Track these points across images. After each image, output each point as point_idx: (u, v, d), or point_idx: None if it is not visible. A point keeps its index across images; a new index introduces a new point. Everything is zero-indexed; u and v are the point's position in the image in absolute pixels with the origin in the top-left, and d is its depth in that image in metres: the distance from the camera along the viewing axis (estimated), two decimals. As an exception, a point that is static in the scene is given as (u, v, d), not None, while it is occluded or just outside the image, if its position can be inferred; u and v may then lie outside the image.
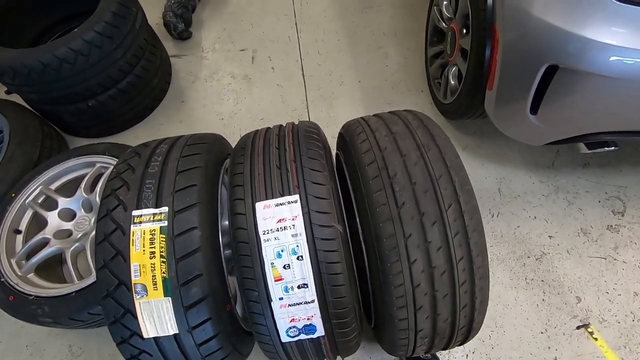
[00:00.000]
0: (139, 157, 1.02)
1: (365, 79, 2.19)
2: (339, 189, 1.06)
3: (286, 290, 0.86)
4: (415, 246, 0.84)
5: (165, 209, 0.91)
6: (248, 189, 0.92)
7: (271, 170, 0.94)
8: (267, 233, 0.86)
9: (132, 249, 0.86)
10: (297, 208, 0.88)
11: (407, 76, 2.19)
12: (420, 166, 0.91)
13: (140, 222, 0.89)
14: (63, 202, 1.52)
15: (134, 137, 2.10)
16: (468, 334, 0.95)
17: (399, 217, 0.85)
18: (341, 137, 1.15)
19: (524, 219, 1.68)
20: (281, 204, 0.88)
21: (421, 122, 1.04)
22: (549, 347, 1.42)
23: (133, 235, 0.87)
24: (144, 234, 0.88)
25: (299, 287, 0.86)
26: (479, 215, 0.88)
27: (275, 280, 0.86)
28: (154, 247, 0.87)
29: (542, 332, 1.45)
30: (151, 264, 0.86)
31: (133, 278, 0.85)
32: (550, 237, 1.64)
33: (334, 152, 1.34)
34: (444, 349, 1.01)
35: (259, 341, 0.94)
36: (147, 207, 0.91)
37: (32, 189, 1.53)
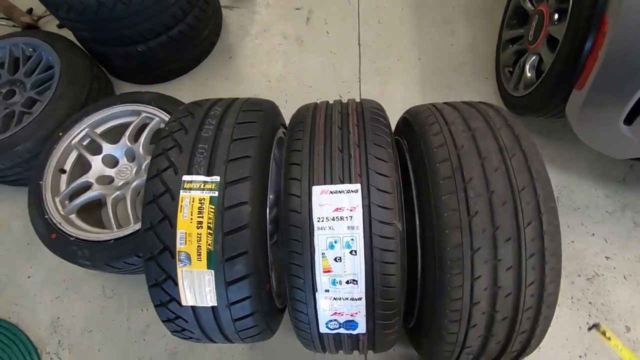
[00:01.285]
0: (192, 117, 0.96)
1: (425, 56, 2.02)
2: (400, 182, 0.98)
3: (334, 283, 0.81)
4: (482, 261, 0.76)
5: (217, 178, 0.85)
6: (306, 170, 0.85)
7: (332, 153, 0.86)
8: (322, 221, 0.80)
9: (180, 215, 0.83)
10: (357, 198, 0.80)
11: (473, 59, 1.99)
12: (501, 173, 0.80)
13: (190, 189, 0.84)
14: (107, 148, 1.51)
15: (178, 88, 2.05)
16: (517, 357, 0.88)
17: (469, 227, 0.77)
18: (406, 123, 1.05)
19: (581, 234, 1.55)
20: (340, 192, 0.81)
21: (504, 120, 0.92)
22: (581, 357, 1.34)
23: (182, 201, 0.83)
24: (193, 201, 0.83)
25: (347, 282, 0.80)
26: (560, 237, 0.78)
27: (324, 272, 0.80)
28: (202, 217, 0.82)
29: (580, 357, 1.36)
30: (197, 234, 0.82)
31: (178, 245, 0.82)
32: (607, 258, 1.51)
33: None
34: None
35: (295, 326, 0.91)
36: (198, 173, 0.86)
37: (78, 130, 1.52)
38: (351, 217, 0.80)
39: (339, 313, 0.83)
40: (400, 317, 0.88)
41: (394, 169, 0.86)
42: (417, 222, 0.88)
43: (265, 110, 1.02)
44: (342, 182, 0.82)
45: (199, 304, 0.86)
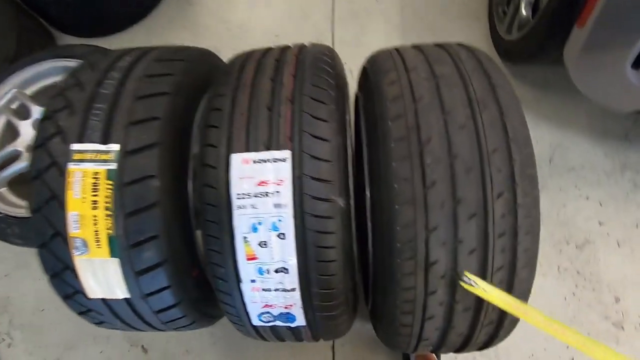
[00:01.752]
0: (92, 69, 0.77)
1: (409, -4, 1.75)
2: (354, 147, 0.81)
3: (260, 272, 0.67)
4: (439, 243, 0.61)
5: (115, 146, 0.68)
6: (224, 134, 0.67)
7: (258, 112, 0.68)
8: (243, 198, 0.64)
9: (70, 193, 0.67)
10: (285, 169, 0.64)
11: (463, -1, 1.73)
12: (467, 132, 0.63)
13: (82, 161, 0.68)
14: (37, 112, 1.32)
15: (129, 40, 1.81)
16: (485, 347, 0.76)
17: (424, 201, 0.61)
18: (364, 73, 0.85)
19: (574, 197, 1.40)
20: (265, 161, 0.64)
21: (479, 64, 0.73)
22: (568, 347, 1.25)
23: (71, 177, 0.67)
24: (85, 176, 0.67)
25: (277, 271, 0.66)
26: (538, 212, 0.62)
27: (248, 259, 0.66)
28: (97, 196, 0.67)
29: (562, 329, 1.27)
30: (93, 216, 0.67)
31: (71, 230, 0.67)
32: (600, 223, 1.37)
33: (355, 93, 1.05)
34: (455, 351, 0.84)
35: (227, 316, 0.78)
36: (91, 140, 0.69)
37: (4, 92, 1.33)
38: (278, 192, 0.64)
39: (271, 305, 0.70)
40: (349, 305, 0.75)
41: (337, 130, 0.68)
42: (368, 196, 0.72)
43: (187, 60, 0.82)
44: (268, 149, 0.65)
45: (109, 297, 0.72)
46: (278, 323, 0.73)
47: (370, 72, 0.79)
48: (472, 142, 0.62)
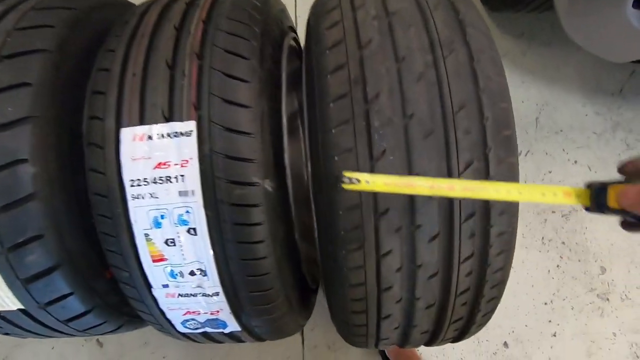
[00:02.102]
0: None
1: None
2: (293, 113, 0.65)
3: (173, 275, 0.53)
4: (392, 230, 0.48)
5: (-31, 124, 0.52)
6: (112, 103, 0.51)
7: (156, 71, 0.52)
8: (139, 185, 0.49)
9: None
10: (190, 146, 0.49)
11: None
12: (427, 84, 0.48)
13: None
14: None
15: None
16: (457, 340, 0.65)
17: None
18: (309, 19, 0.69)
19: (561, 162, 1.28)
20: (164, 136, 0.49)
21: (446, -2, 0.57)
22: (550, 321, 1.18)
23: None
24: None
25: (191, 273, 0.53)
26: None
27: (154, 261, 0.52)
28: (-49, 190, 0.51)
29: (546, 303, 1.19)
30: (-50, 216, 0.51)
31: None
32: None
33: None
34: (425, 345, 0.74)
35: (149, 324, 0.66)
36: (-62, 118, 0.52)
37: None
38: (183, 176, 0.49)
39: (194, 312, 0.57)
40: (293, 303, 0.63)
41: (261, 93, 0.53)
42: (309, 172, 0.58)
43: (79, 9, 0.64)
44: (168, 120, 0.49)
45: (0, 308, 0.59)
46: (208, 329, 0.61)
47: (312, 15, 0.62)
48: (432, 98, 0.48)
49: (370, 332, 0.59)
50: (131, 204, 0.50)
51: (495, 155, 0.47)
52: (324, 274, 0.61)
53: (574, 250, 1.21)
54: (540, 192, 0.44)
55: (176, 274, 0.53)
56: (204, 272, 0.52)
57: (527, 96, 1.33)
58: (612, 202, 0.41)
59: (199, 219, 0.49)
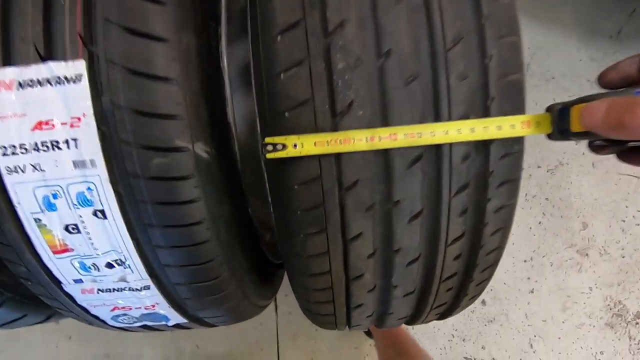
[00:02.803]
0: None
1: None
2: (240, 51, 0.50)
3: (85, 268, 0.42)
4: (362, 208, 0.37)
5: None
6: (-37, 34, 0.36)
7: (24, -14, 0.36)
8: (13, 153, 0.36)
9: None
10: (81, 97, 0.35)
11: None
12: (409, 9, 0.35)
13: None
14: None
15: None
16: (440, 319, 0.58)
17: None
18: None
19: (551, 113, 1.19)
20: (42, 83, 0.35)
21: None
22: (529, 278, 1.15)
23: None
24: None
25: (109, 265, 0.41)
26: (522, 147, 0.38)
27: (56, 252, 0.40)
28: None
29: (525, 261, 1.16)
30: None
31: None
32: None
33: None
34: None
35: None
36: None
37: None
38: (75, 141, 0.35)
39: (124, 307, 0.47)
40: (250, 288, 0.53)
41: (182, 20, 0.38)
42: (259, 131, 0.45)
43: None
44: (44, 59, 0.35)
45: None
46: (149, 323, 0.51)
47: None
48: (417, 29, 0.35)
49: (339, 321, 0.50)
50: (8, 180, 0.36)
51: (499, 109, 0.35)
52: (283, 258, 0.51)
53: (557, 207, 1.16)
54: (496, 126, 0.35)
55: (89, 267, 0.41)
56: (124, 264, 0.41)
57: (520, 39, 1.20)
58: (575, 125, 0.34)
59: (107, 198, 0.37)
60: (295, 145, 0.35)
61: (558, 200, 1.17)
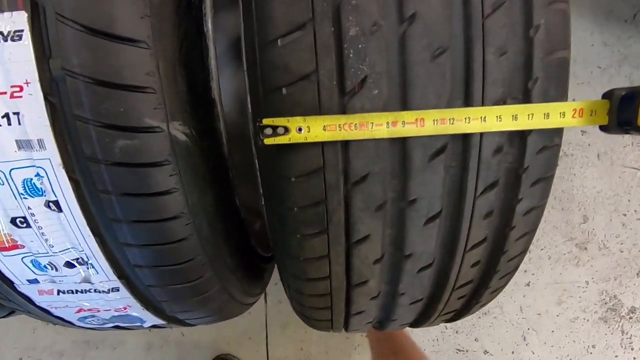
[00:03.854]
0: None
1: None
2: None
3: (40, 267, 0.35)
4: (371, 206, 0.31)
5: None
6: None
7: None
8: (-59, 128, 0.28)
9: None
10: (23, 59, 0.27)
11: None
12: (442, -40, 0.28)
13: None
14: None
15: None
16: (445, 322, 0.54)
17: (344, 110, 0.28)
18: None
19: (559, 101, 1.13)
20: (-29, 39, 0.27)
21: None
22: (526, 271, 1.13)
23: None
24: None
25: (68, 265, 0.35)
26: (561, 139, 0.33)
27: (3, 249, 0.33)
28: None
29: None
30: None
31: None
32: (583, 132, 1.13)
33: None
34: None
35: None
36: None
37: None
38: (18, 115, 0.28)
39: (91, 309, 0.41)
40: (236, 287, 0.48)
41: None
42: (249, 110, 0.38)
43: None
44: (-26, 6, 0.27)
45: None
46: (121, 324, 0.45)
47: None
48: (449, -13, 0.28)
49: (336, 326, 0.45)
50: None
51: (543, 92, 0.29)
52: (275, 256, 0.45)
53: (559, 199, 1.12)
54: (544, 113, 0.29)
55: (45, 266, 0.35)
56: (87, 264, 0.35)
57: (532, 20, 1.12)
58: None
59: (61, 186, 0.30)
60: (300, 129, 0.28)
61: (560, 192, 1.13)
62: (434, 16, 0.27)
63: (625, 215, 1.13)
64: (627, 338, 1.14)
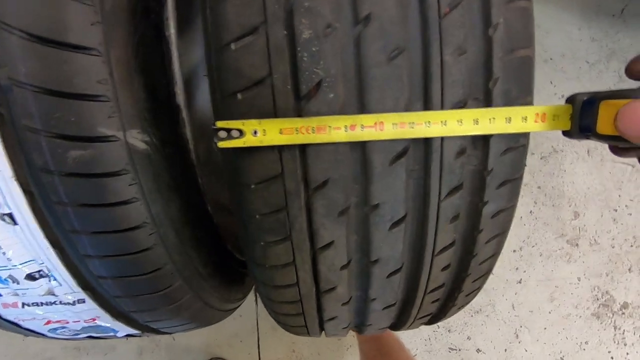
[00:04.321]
0: None
1: None
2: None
3: (0, 280, 0.34)
4: (333, 212, 0.30)
5: None
6: None
7: None
8: None
9: None
10: (-32, 69, 0.27)
11: None
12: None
13: None
14: None
15: None
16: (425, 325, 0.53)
17: (299, 121, 0.28)
18: None
19: (547, 96, 1.13)
20: None
21: None
22: (517, 268, 1.12)
23: None
24: None
25: (30, 277, 0.34)
26: (528, 140, 0.32)
27: (-40, 263, 0.33)
28: None
29: (515, 251, 1.12)
30: None
31: None
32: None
33: None
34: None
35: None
36: None
37: None
38: (-36, 124, 0.27)
39: (59, 321, 0.40)
40: (211, 293, 0.47)
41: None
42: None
43: None
44: None
45: None
46: (95, 334, 0.45)
47: None
48: (405, -13, 0.27)
49: (312, 331, 0.45)
50: None
51: (504, 92, 0.28)
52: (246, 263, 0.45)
53: (549, 195, 1.12)
54: (505, 118, 0.28)
55: (5, 279, 0.34)
56: (49, 276, 0.34)
57: (519, 16, 1.12)
58: (603, 125, 0.27)
59: (14, 199, 0.30)
60: (255, 132, 0.28)
61: (550, 188, 1.12)
62: (389, 17, 0.27)
63: (616, 210, 1.13)
64: (620, 333, 1.14)
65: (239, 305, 0.63)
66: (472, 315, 1.13)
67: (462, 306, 0.43)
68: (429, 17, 0.27)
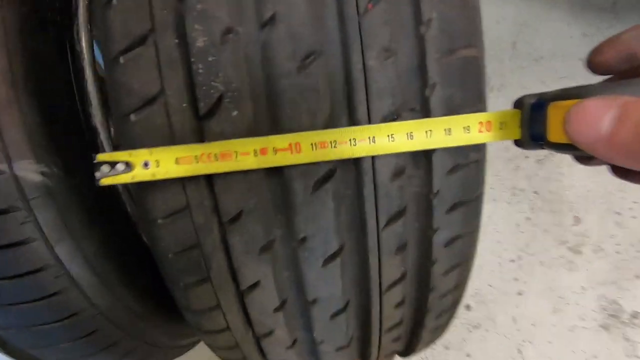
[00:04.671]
0: None
1: None
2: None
3: None
4: (254, 248, 0.26)
5: None
6: None
7: None
8: None
9: None
10: None
11: None
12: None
13: None
14: None
15: None
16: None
17: (201, 132, 0.23)
18: None
19: (539, 97, 1.07)
20: None
21: None
22: (517, 279, 1.06)
23: None
24: None
25: None
26: (483, 154, 0.27)
27: None
28: None
29: (512, 261, 1.06)
30: None
31: None
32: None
33: None
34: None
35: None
36: None
37: None
38: None
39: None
40: (150, 331, 0.42)
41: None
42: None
43: None
44: None
45: None
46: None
47: None
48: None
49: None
50: None
51: (446, 100, 0.24)
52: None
53: (547, 200, 1.06)
54: (444, 129, 0.23)
55: None
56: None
57: (503, 15, 1.08)
58: (554, 131, 0.22)
59: None
60: (146, 164, 0.23)
61: (548, 193, 1.06)
62: (299, 17, 0.22)
63: (619, 213, 1.06)
64: (630, 345, 1.06)
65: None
66: (470, 331, 1.06)
67: (432, 341, 0.38)
68: (346, 14, 0.23)
